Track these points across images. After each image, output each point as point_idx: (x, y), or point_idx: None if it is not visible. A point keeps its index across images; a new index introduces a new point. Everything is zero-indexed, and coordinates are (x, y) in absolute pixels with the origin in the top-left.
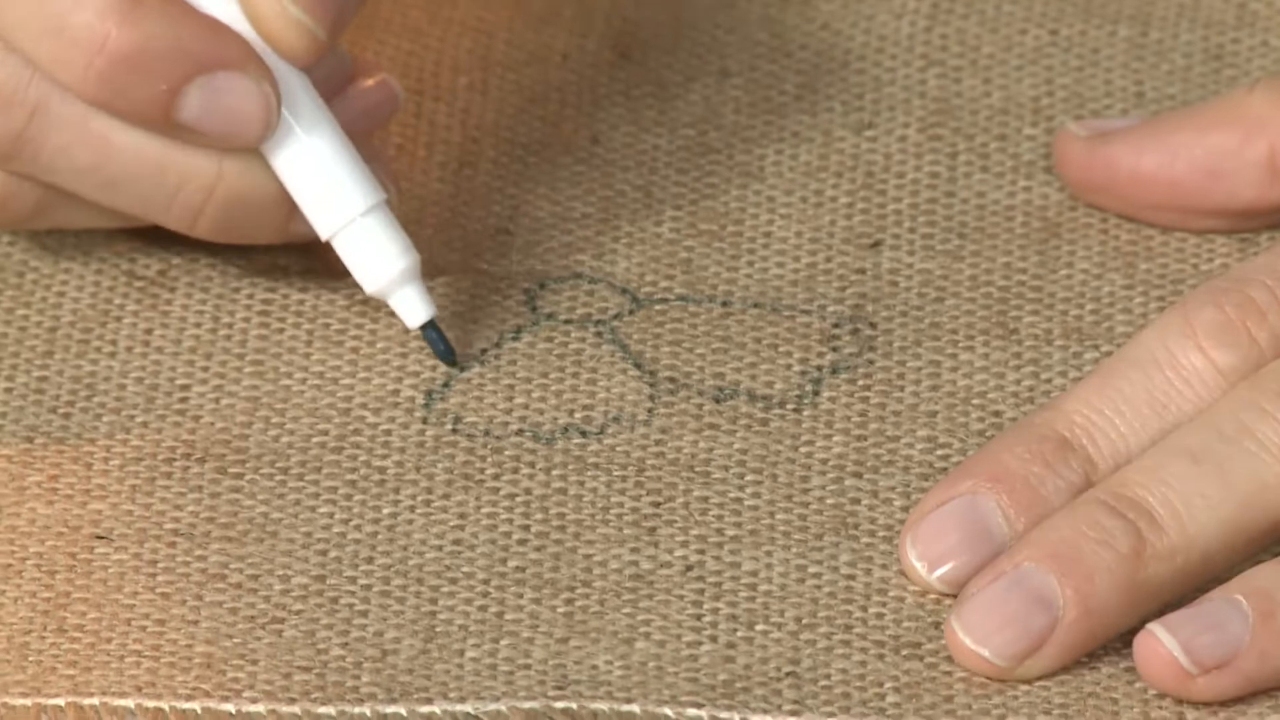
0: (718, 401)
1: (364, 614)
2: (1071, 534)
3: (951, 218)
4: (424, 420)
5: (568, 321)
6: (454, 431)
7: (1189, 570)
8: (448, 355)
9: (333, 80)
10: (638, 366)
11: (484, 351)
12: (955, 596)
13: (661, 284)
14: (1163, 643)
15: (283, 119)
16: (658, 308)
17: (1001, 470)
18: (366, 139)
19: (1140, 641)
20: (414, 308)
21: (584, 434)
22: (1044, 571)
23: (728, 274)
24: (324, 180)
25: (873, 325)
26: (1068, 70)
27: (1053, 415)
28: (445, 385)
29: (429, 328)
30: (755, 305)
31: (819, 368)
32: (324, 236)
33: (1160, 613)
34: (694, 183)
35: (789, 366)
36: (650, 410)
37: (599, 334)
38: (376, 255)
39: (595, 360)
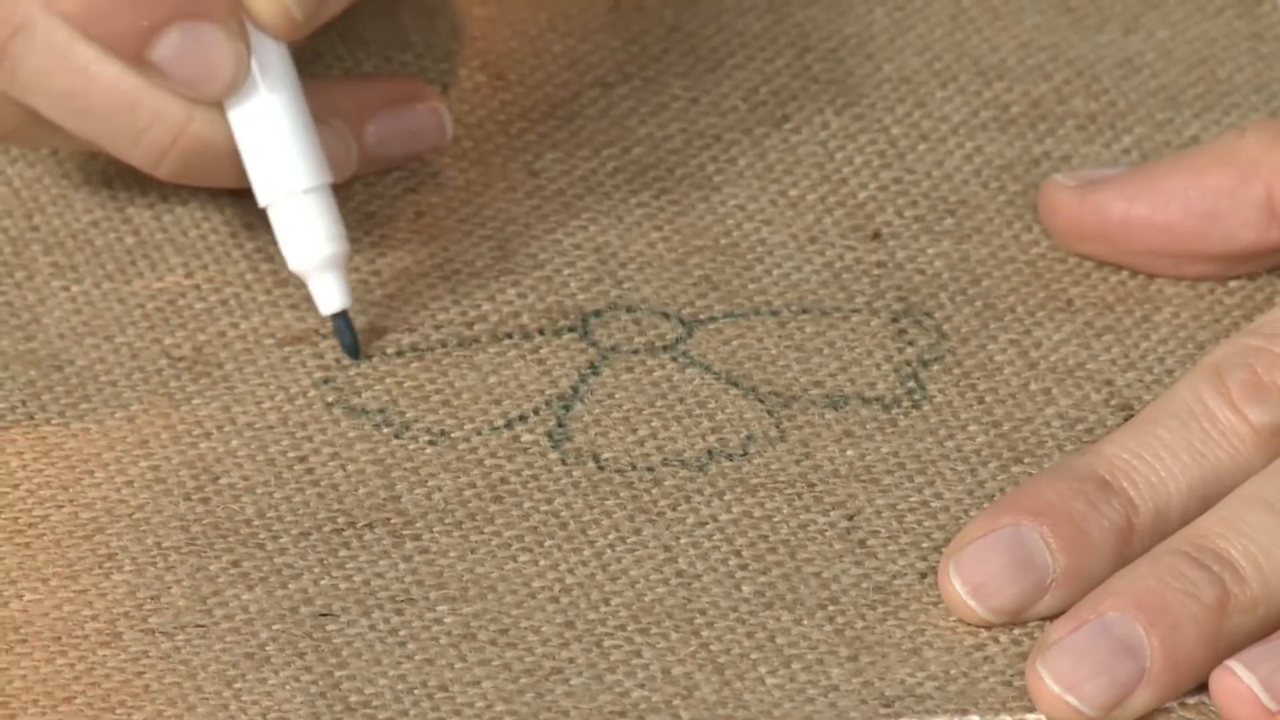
0: (835, 409)
1: (643, 660)
2: (1156, 584)
3: (926, 194)
4: (563, 461)
5: (635, 351)
6: (600, 469)
7: (1270, 621)
8: (353, 348)
9: (370, 96)
10: (735, 385)
11: (574, 391)
12: (992, 627)
13: (699, 303)
14: (1242, 680)
15: (251, 82)
16: (711, 327)
17: (1043, 505)
18: (341, 130)
19: (1218, 679)
20: (331, 294)
21: (730, 457)
22: (1130, 621)
23: (753, 285)
24: (274, 149)
25: (928, 314)
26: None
27: (1092, 459)
28: (560, 425)
29: (340, 317)
30: (804, 311)
31: (908, 363)
32: (261, 203)
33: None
34: (654, 200)
35: (879, 366)
36: (778, 426)
37: (674, 359)
38: (307, 234)
39: (690, 384)
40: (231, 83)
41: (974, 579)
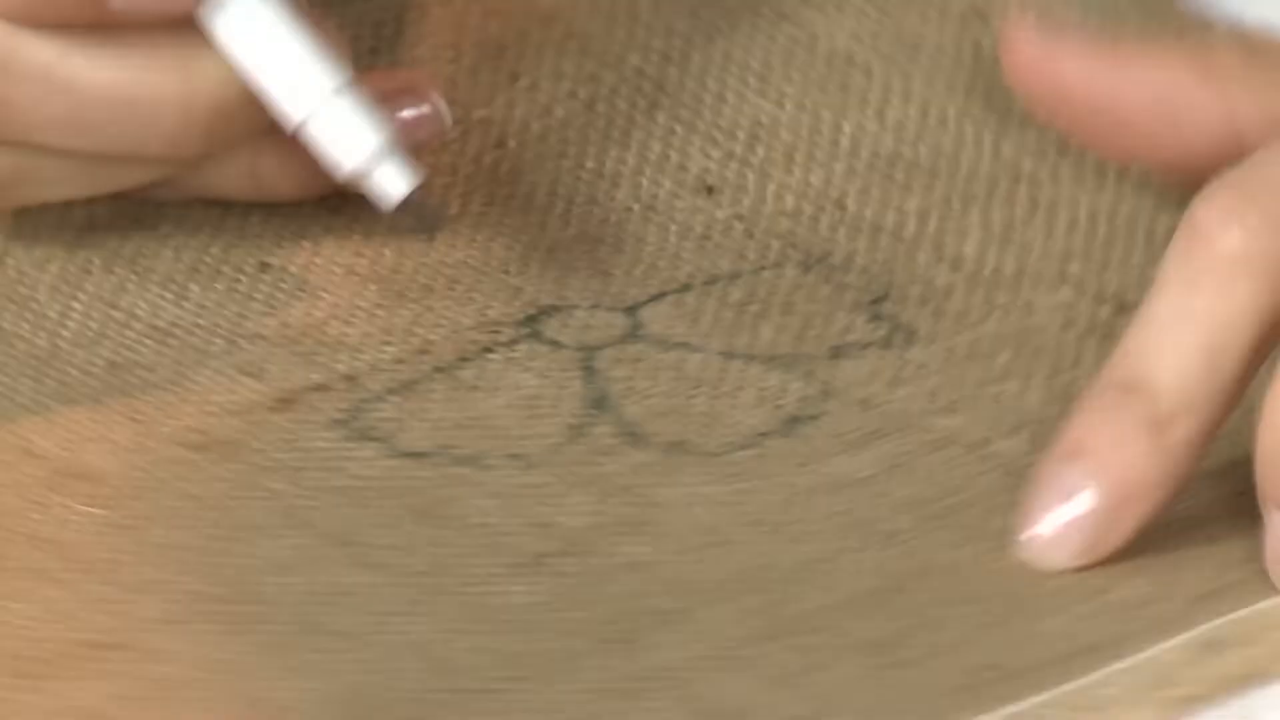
0: (846, 358)
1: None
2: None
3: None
4: (663, 454)
5: (610, 345)
6: (690, 455)
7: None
8: (434, 223)
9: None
10: (733, 356)
11: (603, 395)
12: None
13: (631, 292)
14: None
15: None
16: (647, 312)
17: (1075, 442)
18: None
19: None
20: (397, 179)
21: (809, 419)
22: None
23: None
24: (286, 65)
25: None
26: None
27: (1109, 367)
28: (623, 424)
29: (412, 196)
30: (712, 281)
31: (871, 303)
32: (294, 121)
33: None
34: (525, 198)
35: (845, 312)
36: (807, 380)
37: (650, 345)
38: (352, 133)
39: (692, 362)
40: None
41: (1041, 539)
